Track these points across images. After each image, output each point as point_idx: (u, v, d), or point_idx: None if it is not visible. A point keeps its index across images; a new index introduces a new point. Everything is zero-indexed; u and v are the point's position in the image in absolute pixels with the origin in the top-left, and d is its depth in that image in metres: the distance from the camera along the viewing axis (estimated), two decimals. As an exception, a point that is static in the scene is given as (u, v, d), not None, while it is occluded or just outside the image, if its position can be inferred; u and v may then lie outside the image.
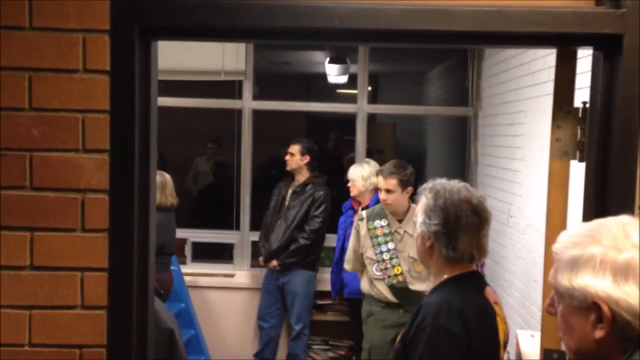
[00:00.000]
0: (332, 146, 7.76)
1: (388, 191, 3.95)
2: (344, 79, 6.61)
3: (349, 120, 6.20)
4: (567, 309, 1.20)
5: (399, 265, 3.98)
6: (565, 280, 1.18)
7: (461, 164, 5.94)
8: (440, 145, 7.50)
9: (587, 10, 1.69)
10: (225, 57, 5.33)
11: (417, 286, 3.90)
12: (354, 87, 5.90)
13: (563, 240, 1.24)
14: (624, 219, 1.21)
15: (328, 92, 7.18)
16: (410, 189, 3.91)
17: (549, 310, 1.30)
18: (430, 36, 1.72)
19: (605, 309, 1.12)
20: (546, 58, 3.99)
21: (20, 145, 1.69)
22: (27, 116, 1.68)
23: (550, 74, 3.91)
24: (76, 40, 1.66)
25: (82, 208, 1.70)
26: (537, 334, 3.15)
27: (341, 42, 1.73)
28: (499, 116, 5.12)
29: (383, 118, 7.04)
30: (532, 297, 4.15)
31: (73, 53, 1.67)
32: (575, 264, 1.17)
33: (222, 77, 5.37)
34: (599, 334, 1.14)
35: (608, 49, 1.69)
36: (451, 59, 6.64)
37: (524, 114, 4.46)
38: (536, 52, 4.12)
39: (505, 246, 4.68)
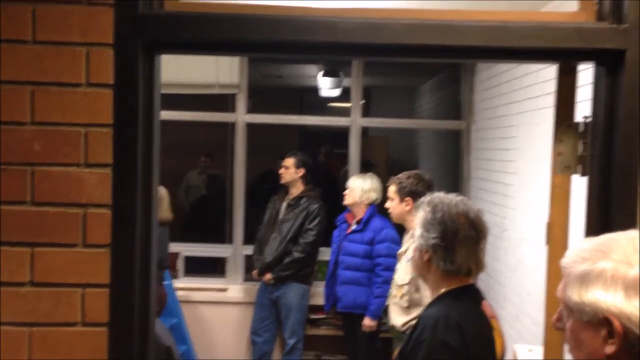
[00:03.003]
0: (323, 159, 7.77)
1: (389, 199, 3.87)
2: (336, 92, 6.62)
3: (341, 134, 6.21)
4: (577, 324, 1.19)
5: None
6: (576, 295, 1.17)
7: (454, 177, 5.96)
8: (433, 159, 7.52)
9: (589, 25, 1.70)
10: (219, 70, 5.33)
11: (393, 317, 3.70)
12: (346, 100, 5.92)
13: (572, 254, 1.23)
14: (633, 233, 1.20)
15: (320, 105, 7.20)
16: (408, 200, 3.75)
17: (556, 326, 1.29)
18: (434, 51, 1.73)
19: (616, 324, 1.11)
20: (538, 73, 4.02)
21: (21, 159, 1.67)
22: (29, 130, 1.66)
23: (543, 88, 3.95)
24: (79, 54, 1.65)
25: (83, 223, 1.68)
26: (536, 348, 3.16)
27: (345, 56, 1.73)
28: (491, 130, 5.15)
29: (376, 131, 7.05)
30: (527, 310, 4.15)
31: (76, 66, 1.65)
32: (585, 279, 1.16)
33: (216, 90, 5.38)
34: (609, 349, 1.13)
35: (610, 64, 1.70)
36: (443, 73, 6.68)
37: (517, 127, 4.49)
38: (529, 66, 4.15)
39: (499, 260, 4.69)
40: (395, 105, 7.61)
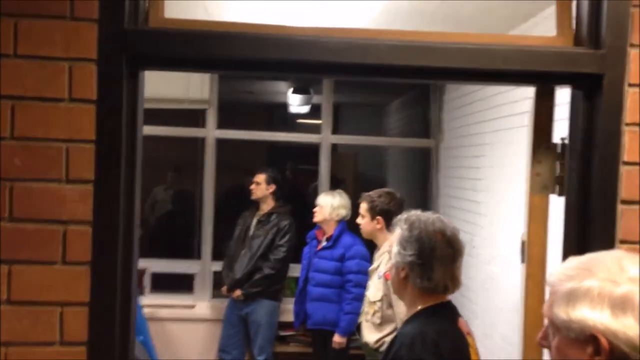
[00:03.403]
0: (289, 176, 7.76)
1: (360, 215, 3.87)
2: (306, 109, 6.64)
3: (308, 150, 6.22)
4: (564, 341, 1.20)
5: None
6: (562, 312, 1.19)
7: (422, 194, 6.01)
8: (401, 176, 7.58)
9: (568, 50, 1.75)
10: (190, 86, 5.31)
11: (366, 334, 3.67)
12: (315, 117, 5.94)
13: (558, 273, 1.25)
14: (617, 253, 1.23)
15: (290, 121, 7.21)
16: (379, 218, 3.77)
17: (542, 344, 1.31)
18: (417, 72, 1.75)
19: (603, 341, 1.13)
20: (508, 92, 4.11)
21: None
22: (9, 145, 1.63)
23: (513, 108, 4.03)
24: (62, 69, 1.63)
25: (63, 240, 1.65)
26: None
27: (331, 75, 1.75)
28: (461, 148, 5.22)
29: (344, 148, 7.09)
30: (497, 327, 4.20)
31: (58, 81, 1.63)
32: (572, 297, 1.18)
33: (186, 106, 5.35)
34: None
35: (587, 87, 1.74)
36: (412, 92, 6.76)
37: (487, 146, 4.56)
38: (499, 86, 4.23)
39: (469, 277, 4.74)
40: (364, 123, 7.67)
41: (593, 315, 1.14)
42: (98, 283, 1.65)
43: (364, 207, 3.86)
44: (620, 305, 1.13)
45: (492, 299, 4.36)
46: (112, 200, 1.65)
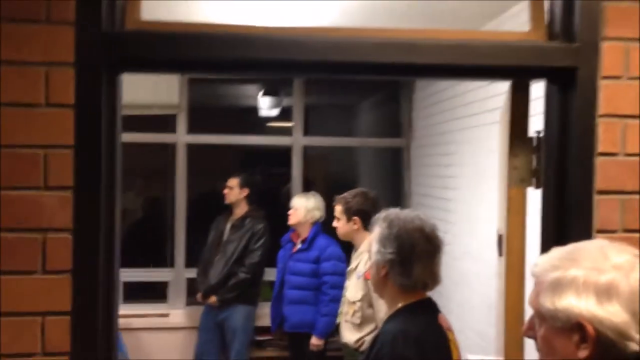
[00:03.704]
0: (260, 179, 7.73)
1: (336, 218, 3.88)
2: (275, 112, 6.63)
3: (279, 153, 6.20)
4: (550, 330, 1.22)
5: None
6: (549, 302, 1.20)
7: (394, 194, 6.04)
8: (372, 176, 7.61)
9: (542, 44, 1.78)
10: (158, 90, 5.25)
11: (346, 334, 3.70)
12: (285, 120, 5.93)
13: (542, 263, 1.27)
14: (600, 242, 1.25)
15: (260, 125, 7.19)
16: (355, 219, 3.78)
17: (527, 334, 1.32)
18: (396, 69, 1.77)
19: (589, 328, 1.14)
20: (477, 91, 4.16)
21: (-25, 183, 1.60)
22: (-15, 153, 1.60)
23: (482, 106, 4.09)
24: (39, 74, 1.60)
25: (43, 248, 1.62)
26: (487, 358, 3.23)
27: (312, 74, 1.76)
28: (431, 147, 5.27)
29: (314, 150, 7.10)
30: (470, 323, 4.24)
31: (35, 87, 1.60)
32: (557, 286, 1.20)
33: (155, 111, 5.29)
34: (582, 354, 1.16)
35: (562, 81, 1.78)
36: (382, 91, 6.80)
37: (457, 144, 4.61)
38: (469, 84, 4.29)
39: (442, 273, 4.77)
40: (334, 124, 7.67)
41: (579, 304, 1.16)
42: (79, 292, 1.62)
43: (339, 209, 3.87)
44: (605, 292, 1.15)
45: (464, 295, 4.41)
46: (92, 206, 1.63)
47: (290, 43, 1.68)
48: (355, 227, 3.77)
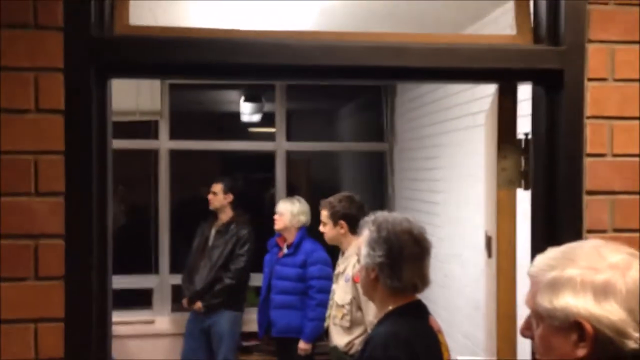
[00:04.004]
0: (242, 185, 7.71)
1: (322, 223, 3.89)
2: (257, 117, 6.63)
3: (261, 158, 6.19)
4: (547, 330, 1.23)
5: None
6: (546, 301, 1.22)
7: (377, 197, 6.06)
8: (355, 180, 7.63)
9: (529, 47, 1.81)
10: (139, 97, 5.22)
11: (335, 338, 3.71)
12: (267, 125, 5.92)
13: (538, 263, 1.28)
14: (595, 242, 1.27)
15: (241, 130, 7.18)
16: (342, 223, 3.80)
17: (524, 334, 1.33)
18: (382, 72, 1.78)
19: (587, 327, 1.16)
20: (459, 95, 4.20)
21: (-35, 190, 1.58)
22: (-26, 160, 1.58)
23: (464, 109, 4.12)
24: (27, 79, 1.59)
25: (35, 255, 1.60)
26: (477, 359, 3.25)
27: (305, 79, 1.77)
28: (414, 150, 5.30)
29: (296, 155, 7.11)
30: (457, 324, 4.27)
31: (24, 92, 1.59)
32: (555, 285, 1.21)
33: (137, 117, 5.26)
34: (581, 352, 1.17)
35: (549, 83, 1.80)
36: (363, 96, 6.82)
37: (440, 147, 4.65)
38: (449, 88, 4.32)
39: (428, 276, 4.79)
40: (315, 129, 7.69)
41: (577, 302, 1.17)
42: (73, 297, 1.61)
43: (325, 214, 3.88)
44: (602, 291, 1.17)
45: (451, 298, 4.43)
46: (84, 212, 1.62)
47: (279, 47, 1.68)
48: (342, 231, 3.79)
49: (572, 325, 1.18)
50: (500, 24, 3.62)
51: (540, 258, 1.29)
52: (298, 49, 1.68)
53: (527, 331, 1.31)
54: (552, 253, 1.28)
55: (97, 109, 1.64)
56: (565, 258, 1.24)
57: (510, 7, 3.43)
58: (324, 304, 4.20)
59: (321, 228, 3.92)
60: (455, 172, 4.32)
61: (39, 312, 1.61)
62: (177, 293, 5.38)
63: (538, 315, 1.25)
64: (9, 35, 1.59)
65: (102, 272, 1.66)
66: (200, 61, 1.68)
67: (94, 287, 1.63)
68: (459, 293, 4.30)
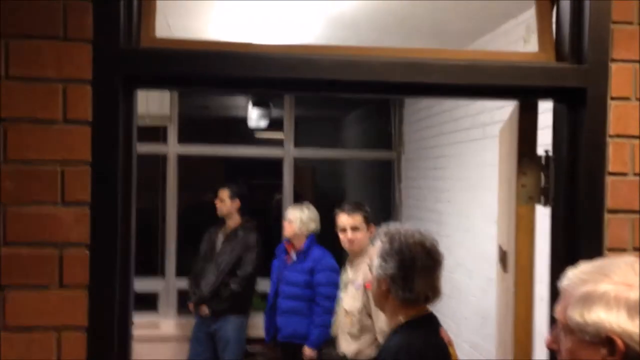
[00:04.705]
0: (247, 190, 7.71)
1: (354, 228, 3.76)
2: (264, 123, 6.64)
3: (266, 164, 6.19)
4: (577, 343, 1.23)
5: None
6: (577, 315, 1.22)
7: (383, 205, 6.07)
8: (360, 188, 7.64)
9: (552, 65, 1.82)
10: (149, 102, 5.24)
11: (343, 346, 3.69)
12: (273, 131, 5.93)
13: (571, 277, 1.28)
14: (629, 258, 1.27)
15: (248, 136, 7.19)
16: (372, 226, 3.73)
17: (551, 346, 1.33)
18: (409, 88, 1.79)
19: (619, 342, 1.17)
20: (468, 106, 4.21)
21: (-9, 199, 1.59)
22: (1, 169, 1.59)
23: (473, 121, 4.14)
24: (55, 90, 1.60)
25: (59, 263, 1.61)
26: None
27: (322, 93, 1.77)
28: (422, 160, 5.31)
29: (301, 162, 7.14)
30: (464, 335, 4.27)
31: (52, 103, 1.60)
32: (587, 300, 1.21)
33: (147, 122, 5.27)
34: None
35: (571, 101, 1.81)
36: (370, 104, 6.83)
37: (448, 158, 4.66)
38: (458, 100, 4.33)
39: (434, 286, 4.79)
40: (321, 136, 7.71)
41: (609, 318, 1.18)
42: (96, 307, 1.62)
43: (358, 219, 3.78)
44: (635, 308, 1.17)
45: (457, 308, 4.43)
46: (109, 221, 1.63)
47: (303, 62, 1.69)
48: (370, 235, 3.69)
49: (604, 341, 1.19)
50: (511, 37, 3.63)
51: (573, 271, 1.29)
52: (321, 63, 1.69)
53: (554, 344, 1.31)
54: (585, 267, 1.28)
55: (124, 120, 1.65)
56: (599, 273, 1.24)
57: (522, 19, 3.46)
58: (330, 311, 4.21)
59: (349, 234, 3.77)
60: (464, 182, 4.33)
61: (62, 319, 1.62)
62: (182, 297, 5.38)
63: (568, 329, 1.25)
64: (39, 46, 1.60)
65: (125, 281, 1.66)
66: (225, 74, 1.70)
67: (117, 296, 1.64)
68: (465, 303, 4.31)
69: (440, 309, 4.63)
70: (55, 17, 1.61)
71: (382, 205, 6.10)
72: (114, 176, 1.63)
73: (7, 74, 1.60)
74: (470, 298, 4.23)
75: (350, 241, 3.78)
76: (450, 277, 4.52)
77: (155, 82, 1.74)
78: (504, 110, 3.48)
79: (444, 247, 4.76)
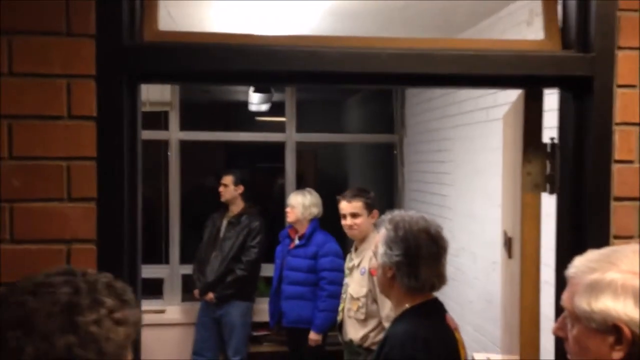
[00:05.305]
0: (249, 175, 7.71)
1: (354, 215, 3.82)
2: (265, 107, 6.61)
3: (268, 148, 6.17)
4: (584, 331, 1.24)
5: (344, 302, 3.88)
6: (585, 303, 1.22)
7: (385, 189, 6.07)
8: (363, 172, 7.63)
9: (558, 54, 1.80)
10: (150, 88, 5.22)
11: (350, 332, 3.72)
12: (274, 115, 5.91)
13: (579, 265, 1.28)
14: (636, 246, 1.27)
15: (249, 120, 7.17)
16: (375, 212, 3.79)
17: (558, 334, 1.34)
18: (417, 78, 1.78)
19: (626, 331, 1.17)
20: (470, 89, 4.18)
21: (-2, 196, 1.59)
22: (7, 165, 1.59)
23: (477, 103, 4.12)
24: (60, 86, 1.60)
25: (67, 260, 1.62)
26: (493, 356, 3.27)
27: (333, 84, 1.76)
28: (425, 143, 5.30)
29: (303, 146, 7.13)
30: (468, 318, 4.29)
31: (57, 99, 1.60)
32: (595, 288, 1.22)
33: (147, 108, 5.25)
34: (617, 355, 1.19)
35: (577, 90, 1.80)
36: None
37: (451, 141, 4.64)
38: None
39: (438, 269, 4.80)
40: (323, 120, 7.67)
41: (616, 306, 1.18)
42: (105, 302, 1.62)
43: (358, 205, 3.83)
44: None
45: (461, 291, 4.45)
46: (115, 217, 1.63)
47: (310, 55, 1.68)
48: (373, 220, 3.75)
49: (610, 329, 1.19)
50: (516, 18, 3.61)
51: (580, 259, 1.29)
52: (328, 55, 1.68)
53: (561, 331, 1.32)
54: (592, 255, 1.28)
55: (128, 114, 1.64)
56: (606, 261, 1.24)
57: (526, 2, 3.43)
58: (334, 296, 4.23)
59: (349, 221, 3.84)
60: (467, 166, 4.33)
61: (71, 316, 1.62)
62: (187, 283, 5.41)
63: (575, 317, 1.26)
64: (42, 43, 1.59)
65: (132, 276, 1.67)
66: (230, 68, 1.69)
67: (125, 291, 1.64)
68: (468, 287, 4.32)
69: (445, 292, 4.64)
70: (58, 13, 1.59)
71: (385, 189, 6.09)
72: (120, 171, 1.63)
73: (12, 71, 1.59)
74: (474, 281, 4.24)
75: (350, 227, 3.84)
76: (454, 260, 4.53)
77: (159, 76, 1.73)
78: (507, 93, 3.47)
79: (447, 231, 4.77)
